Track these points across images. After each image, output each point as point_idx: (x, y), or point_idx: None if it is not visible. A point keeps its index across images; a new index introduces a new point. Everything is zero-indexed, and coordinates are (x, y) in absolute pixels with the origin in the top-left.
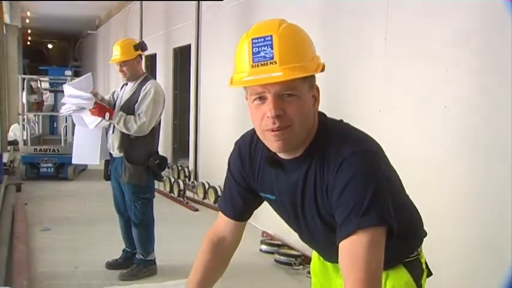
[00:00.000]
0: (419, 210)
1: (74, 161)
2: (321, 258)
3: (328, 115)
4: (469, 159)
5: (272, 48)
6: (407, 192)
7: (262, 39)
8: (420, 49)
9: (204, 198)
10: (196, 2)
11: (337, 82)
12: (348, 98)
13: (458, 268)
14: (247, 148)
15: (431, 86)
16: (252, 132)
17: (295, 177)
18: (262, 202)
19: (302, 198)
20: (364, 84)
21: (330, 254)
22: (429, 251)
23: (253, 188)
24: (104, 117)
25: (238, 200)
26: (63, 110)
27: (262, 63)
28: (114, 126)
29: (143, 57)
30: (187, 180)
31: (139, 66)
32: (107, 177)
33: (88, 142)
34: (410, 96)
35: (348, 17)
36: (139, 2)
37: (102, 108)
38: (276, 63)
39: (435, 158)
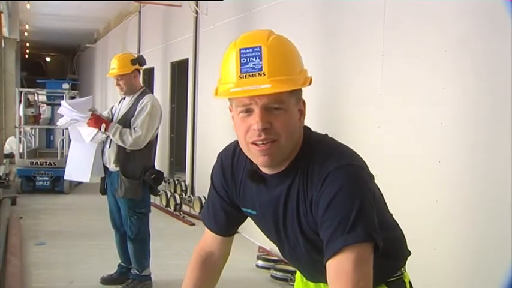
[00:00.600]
0: (418, 223)
1: (65, 177)
2: (304, 279)
3: (328, 133)
4: (467, 174)
5: (261, 60)
6: (407, 206)
7: (251, 50)
8: (416, 66)
9: (201, 212)
10: (194, 16)
11: (335, 97)
12: (347, 114)
13: (458, 269)
14: (230, 161)
15: (428, 103)
16: (235, 144)
17: (277, 192)
18: (246, 218)
19: (284, 213)
20: (362, 100)
21: (312, 273)
22: (430, 256)
23: (235, 202)
24: (100, 129)
25: (221, 215)
26: (60, 123)
27: (250, 74)
28: (110, 140)
29: (141, 71)
30: (183, 194)
31: (137, 80)
32: (103, 191)
33: (81, 159)
34: (407, 113)
35: (345, 34)
36: (137, 16)
37: (98, 119)
38: (264, 74)
39: (433, 173)
